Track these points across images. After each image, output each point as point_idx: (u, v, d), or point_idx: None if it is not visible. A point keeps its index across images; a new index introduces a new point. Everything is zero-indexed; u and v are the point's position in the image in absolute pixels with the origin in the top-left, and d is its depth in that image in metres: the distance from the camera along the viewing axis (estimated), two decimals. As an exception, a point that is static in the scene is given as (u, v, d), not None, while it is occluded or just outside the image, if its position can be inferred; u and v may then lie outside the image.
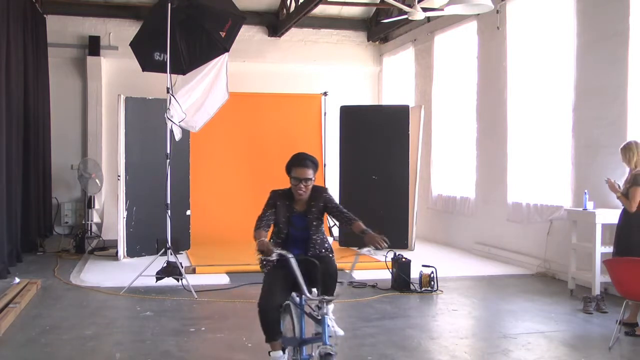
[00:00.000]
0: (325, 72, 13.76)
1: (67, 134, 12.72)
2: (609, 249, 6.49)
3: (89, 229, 11.38)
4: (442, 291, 7.58)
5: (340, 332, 3.90)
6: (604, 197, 7.19)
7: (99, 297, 7.25)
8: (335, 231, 10.70)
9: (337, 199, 5.15)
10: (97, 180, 11.28)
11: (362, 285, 7.76)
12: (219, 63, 8.39)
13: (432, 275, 7.59)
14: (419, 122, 10.73)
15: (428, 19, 10.90)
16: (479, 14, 9.85)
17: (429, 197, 12.02)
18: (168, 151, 7.71)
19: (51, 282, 7.92)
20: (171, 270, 7.48)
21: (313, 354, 4.12)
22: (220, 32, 8.14)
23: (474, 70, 10.62)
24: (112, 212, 11.60)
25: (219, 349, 5.46)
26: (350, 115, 10.95)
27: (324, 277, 4.15)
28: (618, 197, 6.18)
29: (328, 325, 3.79)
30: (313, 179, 4.34)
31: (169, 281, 7.49)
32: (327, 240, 4.51)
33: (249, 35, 13.25)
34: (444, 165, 11.75)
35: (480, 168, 10.48)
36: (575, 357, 5.30)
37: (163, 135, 8.01)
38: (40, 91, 11.30)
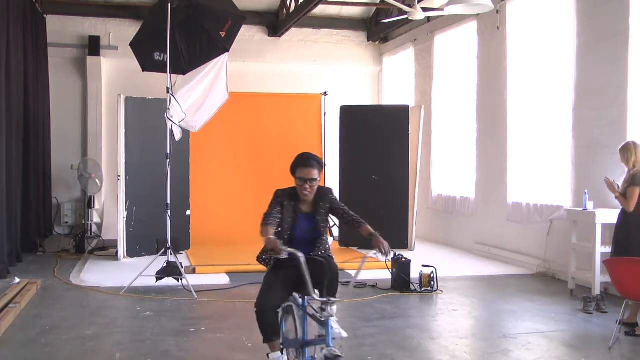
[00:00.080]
0: (325, 72, 13.76)
1: (67, 134, 12.72)
2: (609, 249, 6.49)
3: (89, 229, 11.38)
4: (442, 291, 7.58)
5: (344, 334, 3.86)
6: (604, 197, 7.18)
7: (99, 297, 7.25)
8: (335, 231, 10.71)
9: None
10: (97, 180, 11.28)
11: (362, 285, 7.76)
12: (219, 63, 8.39)
13: (432, 275, 7.59)
14: (419, 122, 10.73)
15: (428, 19, 10.90)
16: (479, 14, 9.85)
17: (429, 197, 12.02)
18: (168, 151, 7.70)
19: (51, 282, 7.92)
20: (171, 270, 7.48)
21: (316, 356, 4.10)
22: (220, 32, 8.13)
23: (474, 70, 10.62)
24: (112, 212, 11.60)
25: (219, 349, 5.46)
26: (350, 115, 10.96)
27: (329, 278, 4.12)
28: (616, 197, 6.21)
29: (332, 327, 3.75)
30: (318, 179, 4.29)
31: (169, 281, 7.49)
32: (328, 241, 4.51)
33: (249, 35, 13.25)
34: (444, 165, 11.75)
35: (480, 168, 10.48)
36: (575, 357, 5.30)
37: (163, 135, 8.00)
38: (40, 91, 11.30)
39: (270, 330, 4.16)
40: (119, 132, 9.44)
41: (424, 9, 8.59)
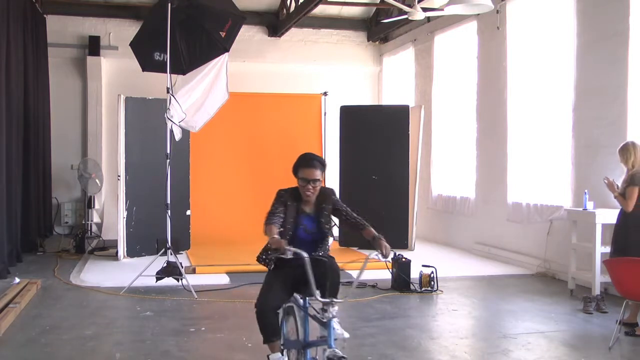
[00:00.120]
0: (325, 72, 13.76)
1: (67, 134, 12.72)
2: (609, 249, 6.49)
3: (89, 229, 11.38)
4: (442, 291, 7.58)
5: (346, 335, 3.83)
6: (604, 197, 7.18)
7: (99, 297, 7.25)
8: (335, 231, 10.69)
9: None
10: (97, 180, 11.28)
11: (362, 285, 7.75)
12: (219, 63, 8.39)
13: (432, 275, 7.59)
14: (419, 122, 10.73)
15: (428, 19, 10.90)
16: (479, 14, 9.85)
17: (429, 197, 12.02)
18: (168, 151, 7.70)
19: (51, 282, 7.92)
20: (171, 270, 7.48)
21: (317, 357, 4.08)
22: (220, 32, 8.13)
23: (474, 70, 10.62)
24: (112, 212, 11.60)
25: (219, 349, 5.46)
26: (350, 115, 10.96)
27: (331, 279, 4.09)
28: (615, 197, 6.22)
29: (334, 328, 3.72)
30: (321, 179, 4.26)
31: (169, 281, 7.49)
32: (329, 241, 4.49)
33: (249, 35, 13.25)
34: (444, 165, 11.75)
35: (480, 168, 10.48)
36: (575, 357, 5.30)
37: (163, 135, 8.00)
38: (40, 91, 11.30)
39: (270, 331, 4.14)
40: (119, 132, 9.44)
41: (424, 9, 8.59)
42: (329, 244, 4.47)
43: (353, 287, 3.99)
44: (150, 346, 5.39)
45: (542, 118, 8.92)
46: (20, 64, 9.58)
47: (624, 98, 7.42)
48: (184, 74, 8.30)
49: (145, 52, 8.16)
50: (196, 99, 8.26)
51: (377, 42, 14.36)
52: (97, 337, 5.67)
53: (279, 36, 13.62)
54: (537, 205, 8.96)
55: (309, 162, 4.25)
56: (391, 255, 4.09)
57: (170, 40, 7.57)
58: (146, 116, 9.54)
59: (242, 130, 11.58)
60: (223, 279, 8.13)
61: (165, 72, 7.68)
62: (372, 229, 4.23)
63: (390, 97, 13.83)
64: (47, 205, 11.82)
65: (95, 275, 8.38)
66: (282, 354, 4.21)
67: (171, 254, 7.60)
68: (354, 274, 7.32)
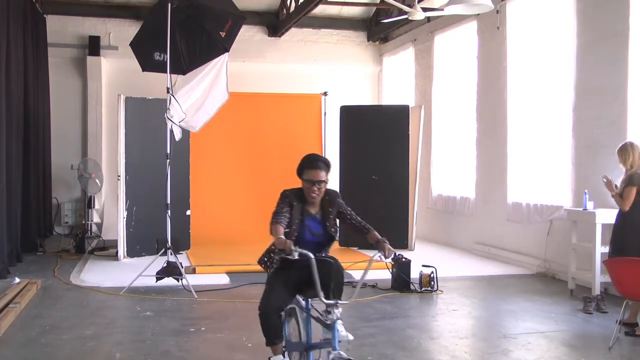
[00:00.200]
0: (325, 72, 13.76)
1: (67, 134, 12.73)
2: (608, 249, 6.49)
3: (89, 229, 11.38)
4: (442, 291, 7.58)
5: (350, 337, 3.80)
6: (604, 197, 7.18)
7: (99, 297, 7.25)
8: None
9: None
10: (97, 180, 11.28)
11: (362, 285, 7.75)
12: (219, 63, 8.39)
13: (432, 275, 7.59)
14: (419, 122, 10.73)
15: (428, 19, 10.90)
16: (479, 14, 9.85)
17: (429, 197, 12.02)
18: (168, 151, 7.70)
19: (51, 282, 7.92)
20: (171, 270, 7.48)
21: (321, 359, 4.06)
22: (220, 32, 8.13)
23: (474, 70, 10.62)
24: (112, 212, 11.60)
25: (219, 349, 5.46)
26: (350, 115, 10.96)
27: (336, 280, 4.07)
28: (613, 196, 6.24)
29: (338, 331, 3.69)
30: (326, 180, 4.22)
31: (169, 281, 7.49)
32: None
33: (249, 35, 13.25)
34: (444, 165, 11.75)
35: (480, 168, 10.48)
36: (575, 357, 5.30)
37: (163, 135, 8.00)
38: (40, 91, 11.30)
39: (273, 333, 4.09)
40: (119, 132, 9.44)
41: (424, 9, 8.59)
42: (332, 245, 4.46)
43: (357, 289, 3.95)
44: (150, 346, 5.39)
45: (542, 118, 8.92)
46: (20, 64, 9.58)
47: (624, 98, 7.42)
48: (184, 74, 8.30)
49: (145, 52, 8.16)
50: (196, 99, 8.26)
51: (377, 42, 14.36)
52: (97, 337, 5.67)
53: (279, 36, 13.62)
54: (537, 205, 8.96)
55: (313, 164, 4.20)
56: (391, 256, 4.08)
57: (170, 40, 7.57)
58: (146, 116, 9.54)
59: (242, 130, 11.58)
60: (223, 279, 8.13)
61: (165, 72, 7.68)
62: (376, 233, 4.22)
63: (390, 97, 13.83)
64: (47, 205, 11.82)
65: (95, 275, 8.38)
66: (284, 356, 4.17)
67: (171, 254, 7.60)
68: (354, 274, 7.32)
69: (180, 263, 7.60)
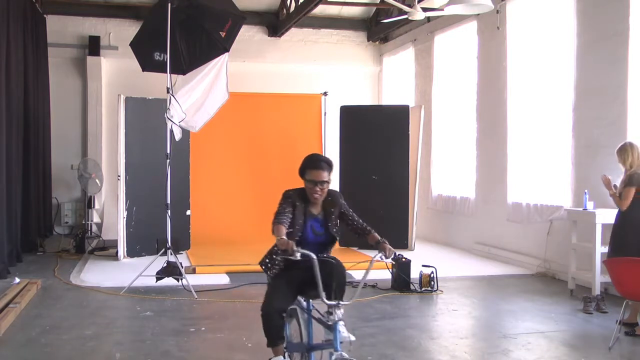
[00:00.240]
0: (325, 72, 13.76)
1: (67, 134, 12.73)
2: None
3: (89, 229, 11.38)
4: (442, 291, 7.58)
5: (352, 338, 3.78)
6: (604, 197, 7.16)
7: (99, 297, 7.25)
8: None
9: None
10: (97, 180, 11.28)
11: (362, 285, 7.74)
12: (219, 63, 8.39)
13: (432, 275, 7.59)
14: (419, 122, 10.73)
15: (428, 19, 10.90)
16: (479, 14, 9.85)
17: (429, 197, 12.02)
18: (168, 151, 7.70)
19: (51, 282, 7.92)
20: (171, 270, 7.48)
21: None
22: (220, 32, 8.13)
23: (474, 70, 10.62)
24: (112, 212, 11.60)
25: (219, 349, 5.46)
26: (350, 115, 10.96)
27: (338, 280, 4.05)
28: (611, 195, 6.24)
29: (340, 331, 3.67)
30: (329, 181, 4.20)
31: (169, 281, 7.49)
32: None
33: (249, 35, 13.25)
34: (444, 165, 11.75)
35: (480, 168, 10.48)
36: (575, 357, 5.30)
37: (163, 135, 8.00)
38: (40, 91, 11.30)
39: (275, 334, 4.06)
40: (119, 132, 9.44)
41: (424, 9, 8.59)
42: (333, 246, 4.45)
43: (358, 289, 3.94)
44: (150, 346, 5.39)
45: (542, 118, 8.92)
46: (20, 64, 9.58)
47: (624, 98, 7.42)
48: (184, 74, 8.30)
49: (145, 52, 8.16)
50: (196, 99, 8.26)
51: (377, 42, 14.36)
52: (97, 337, 5.67)
53: (279, 36, 13.62)
54: (537, 205, 8.96)
55: (316, 164, 4.18)
56: (391, 255, 4.08)
57: (170, 40, 7.56)
58: (146, 116, 9.54)
59: (242, 130, 11.58)
60: (223, 279, 8.13)
61: (165, 72, 7.68)
62: (376, 234, 4.21)
63: (390, 97, 13.83)
64: (47, 205, 11.82)
65: (95, 275, 8.38)
66: (285, 357, 4.15)
67: (171, 254, 7.59)
68: (354, 274, 7.31)
69: (180, 263, 7.60)
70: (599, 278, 7.02)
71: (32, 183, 10.38)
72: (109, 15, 12.92)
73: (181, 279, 7.50)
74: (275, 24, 13.58)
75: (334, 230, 4.28)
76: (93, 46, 12.78)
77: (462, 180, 11.03)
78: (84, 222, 11.53)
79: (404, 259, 7.72)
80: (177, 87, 8.12)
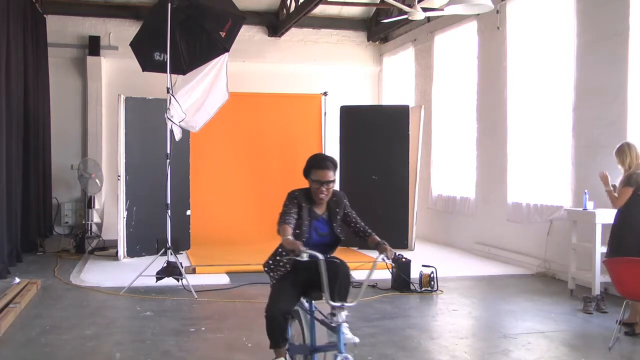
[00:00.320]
0: (325, 72, 13.76)
1: (67, 133, 12.73)
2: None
3: (89, 229, 11.38)
4: (442, 291, 7.58)
5: (356, 340, 3.76)
6: (604, 197, 7.16)
7: (99, 297, 7.25)
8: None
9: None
10: (97, 180, 11.28)
11: (361, 285, 7.74)
12: (219, 63, 8.39)
13: (432, 275, 7.59)
14: (419, 122, 10.73)
15: (428, 19, 10.90)
16: (479, 14, 9.85)
17: (429, 197, 12.03)
18: (168, 151, 7.70)
19: (51, 282, 7.92)
20: (171, 270, 7.48)
21: None
22: (220, 32, 8.13)
23: (474, 70, 10.62)
24: (112, 212, 11.60)
25: (219, 349, 5.45)
26: (350, 115, 10.97)
27: (341, 281, 4.03)
28: (606, 191, 6.25)
29: (344, 333, 3.65)
30: (334, 180, 4.17)
31: (169, 281, 7.49)
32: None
33: (249, 35, 13.25)
34: (444, 165, 11.76)
35: (480, 168, 10.48)
36: (575, 357, 5.30)
37: (163, 135, 8.00)
38: (40, 91, 11.30)
39: (279, 337, 4.03)
40: (119, 132, 9.44)
41: (424, 9, 8.59)
42: (337, 247, 4.44)
43: (362, 291, 3.92)
44: (150, 346, 5.39)
45: (542, 118, 8.92)
46: (20, 64, 9.58)
47: (624, 98, 7.42)
48: (184, 74, 8.30)
49: (145, 52, 8.16)
50: (196, 99, 8.26)
51: (377, 42, 14.36)
52: (97, 337, 5.67)
53: (279, 36, 13.62)
54: (537, 205, 8.96)
55: (322, 163, 4.13)
56: (392, 256, 4.08)
57: (170, 40, 7.56)
58: (146, 116, 9.54)
59: (242, 130, 11.58)
60: (223, 279, 8.13)
61: (165, 72, 7.68)
62: (376, 236, 4.21)
63: (390, 97, 13.83)
64: (47, 205, 11.82)
65: (95, 275, 8.38)
66: (286, 359, 4.14)
67: (171, 254, 7.59)
68: (355, 274, 7.31)
69: (180, 263, 7.60)
70: (599, 278, 7.01)
71: (32, 183, 10.38)
72: (109, 15, 12.92)
73: (181, 279, 7.49)
74: (275, 24, 13.58)
75: (339, 230, 4.25)
76: (93, 46, 12.78)
77: (462, 180, 11.03)
78: (84, 222, 11.53)
79: (404, 259, 7.71)
80: (177, 87, 8.12)
